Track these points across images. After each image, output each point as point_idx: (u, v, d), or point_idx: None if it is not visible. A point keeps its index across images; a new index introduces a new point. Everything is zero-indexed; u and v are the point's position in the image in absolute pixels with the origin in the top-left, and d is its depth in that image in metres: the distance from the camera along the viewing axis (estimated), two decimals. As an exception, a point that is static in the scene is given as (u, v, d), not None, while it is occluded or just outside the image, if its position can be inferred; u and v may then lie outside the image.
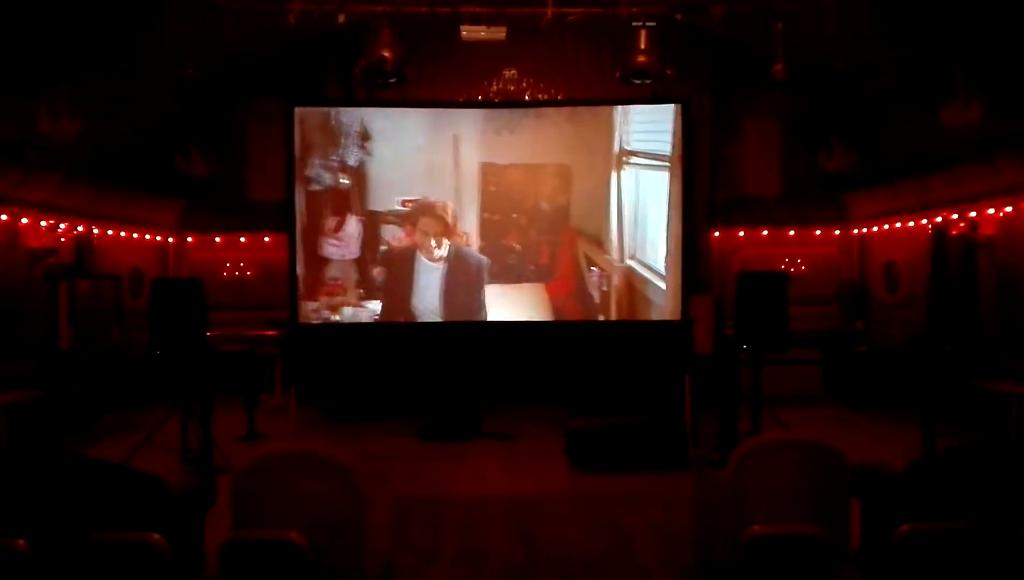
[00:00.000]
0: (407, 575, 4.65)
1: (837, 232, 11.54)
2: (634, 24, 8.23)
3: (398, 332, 10.35)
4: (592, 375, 10.01)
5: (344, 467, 3.83)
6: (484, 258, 8.93)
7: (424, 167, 9.14)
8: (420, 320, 9.26)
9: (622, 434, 7.28)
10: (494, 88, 10.79)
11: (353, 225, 8.78)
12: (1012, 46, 7.44)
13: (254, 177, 11.40)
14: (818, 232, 11.50)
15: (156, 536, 3.13)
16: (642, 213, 8.49)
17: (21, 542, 3.01)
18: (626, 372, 9.89)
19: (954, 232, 9.28)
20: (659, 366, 9.61)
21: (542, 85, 10.79)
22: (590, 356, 10.18)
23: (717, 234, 11.35)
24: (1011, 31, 7.31)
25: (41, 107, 7.74)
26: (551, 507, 6.03)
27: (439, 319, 9.24)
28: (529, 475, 7.11)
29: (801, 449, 3.99)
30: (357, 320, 9.36)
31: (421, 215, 9.05)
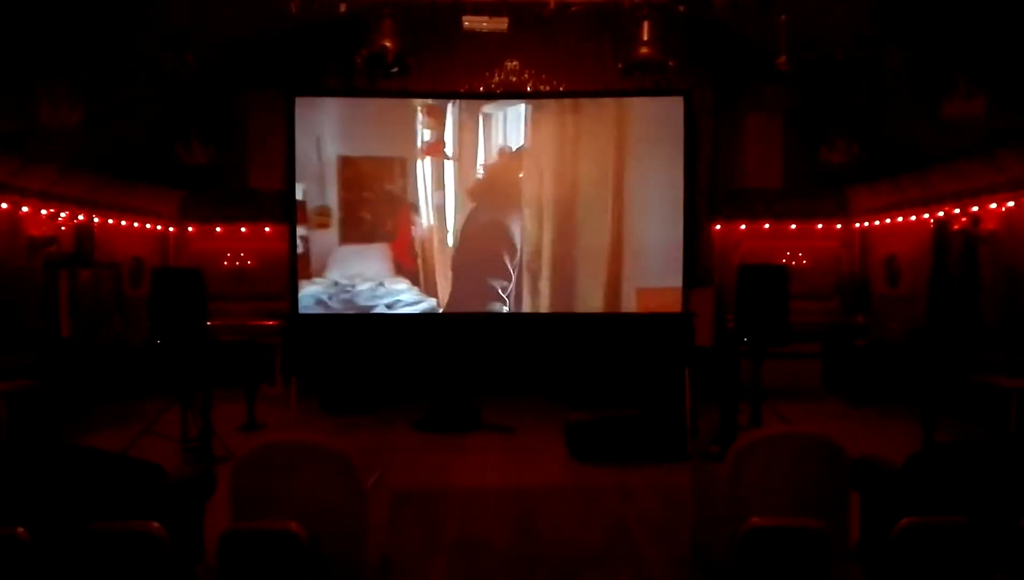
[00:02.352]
0: (405, 566, 4.66)
1: (838, 226, 11.51)
2: (637, 16, 8.21)
3: (398, 323, 10.37)
4: (592, 367, 10.02)
5: (343, 458, 3.83)
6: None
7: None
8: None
9: (622, 427, 7.30)
10: (496, 79, 10.78)
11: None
12: (1015, 40, 7.40)
13: (255, 167, 11.37)
14: (819, 226, 11.48)
15: (155, 525, 3.13)
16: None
17: (20, 530, 3.02)
18: (626, 365, 9.91)
19: (956, 226, 9.26)
20: (659, 359, 9.62)
21: (544, 77, 10.78)
22: (590, 348, 10.20)
23: (718, 227, 11.35)
24: (1014, 25, 7.28)
25: (41, 96, 7.72)
26: (550, 499, 6.04)
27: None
28: (528, 467, 7.12)
29: (801, 442, 3.98)
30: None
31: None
